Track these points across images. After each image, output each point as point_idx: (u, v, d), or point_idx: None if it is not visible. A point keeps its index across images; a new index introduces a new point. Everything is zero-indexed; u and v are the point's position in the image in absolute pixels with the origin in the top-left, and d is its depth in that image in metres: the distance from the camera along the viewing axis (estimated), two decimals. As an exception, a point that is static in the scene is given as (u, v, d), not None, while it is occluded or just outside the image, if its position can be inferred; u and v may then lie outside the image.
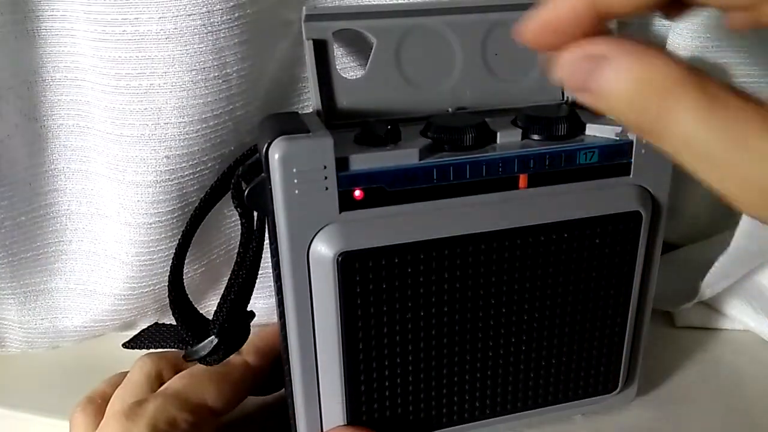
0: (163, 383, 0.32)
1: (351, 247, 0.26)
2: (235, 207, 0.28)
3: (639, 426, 0.35)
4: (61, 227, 0.36)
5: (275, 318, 0.36)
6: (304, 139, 0.26)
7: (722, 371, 0.39)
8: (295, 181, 0.25)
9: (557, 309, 0.31)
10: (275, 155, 0.25)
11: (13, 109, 0.32)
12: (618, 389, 0.34)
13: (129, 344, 0.34)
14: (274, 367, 0.34)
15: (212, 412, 0.32)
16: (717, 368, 0.39)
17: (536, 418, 0.34)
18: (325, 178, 0.26)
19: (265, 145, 0.25)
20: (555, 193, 0.29)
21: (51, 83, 0.32)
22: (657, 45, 0.19)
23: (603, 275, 0.31)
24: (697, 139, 0.17)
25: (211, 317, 0.31)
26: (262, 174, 0.26)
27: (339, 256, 0.26)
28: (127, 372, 0.33)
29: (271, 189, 0.26)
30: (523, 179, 0.28)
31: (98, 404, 0.32)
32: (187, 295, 0.32)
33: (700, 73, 0.17)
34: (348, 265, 0.27)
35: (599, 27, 0.19)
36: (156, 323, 0.34)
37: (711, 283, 0.41)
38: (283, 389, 0.34)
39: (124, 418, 0.29)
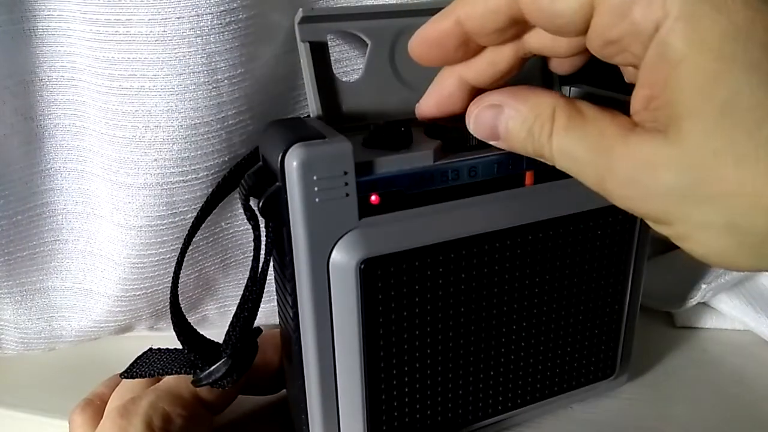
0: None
1: (373, 254, 0.26)
2: (248, 219, 0.28)
3: (639, 426, 0.35)
4: (58, 226, 0.36)
5: (270, 321, 0.36)
6: (322, 144, 0.25)
7: (722, 371, 0.39)
8: (316, 188, 0.25)
9: (565, 300, 0.31)
10: (293, 162, 0.24)
11: (9, 109, 0.32)
12: (615, 374, 0.35)
13: (127, 374, 0.33)
14: (269, 367, 0.34)
15: (206, 406, 0.32)
16: (717, 368, 0.39)
17: (539, 410, 0.35)
18: (346, 184, 0.25)
19: (280, 153, 0.25)
20: (562, 187, 0.29)
21: (47, 83, 0.32)
22: (537, 86, 0.24)
23: (604, 264, 0.32)
24: (568, 147, 0.22)
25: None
26: (277, 183, 0.26)
27: (362, 263, 0.26)
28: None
29: (287, 198, 0.25)
30: (529, 176, 0.29)
31: (97, 405, 0.32)
32: (187, 319, 0.31)
33: (572, 100, 0.22)
34: (371, 272, 0.26)
35: (470, 45, 0.24)
36: (150, 348, 0.33)
37: (711, 283, 0.41)
38: (284, 390, 0.34)
39: (118, 417, 0.29)
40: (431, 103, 0.27)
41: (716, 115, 0.18)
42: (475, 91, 0.26)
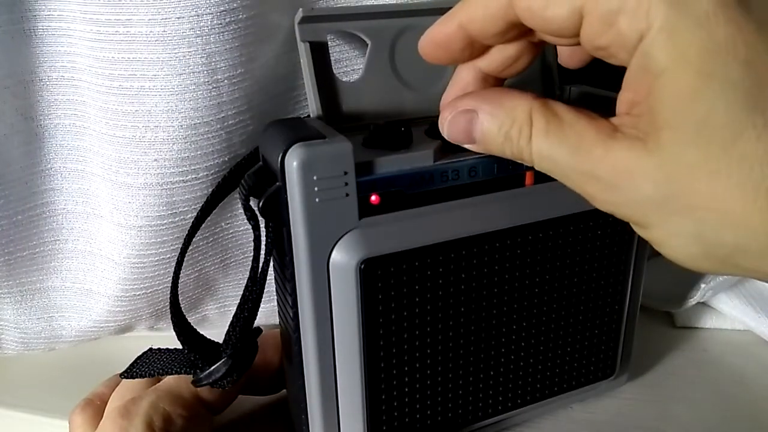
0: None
1: (373, 254, 0.26)
2: (248, 219, 0.28)
3: (639, 426, 0.35)
4: (58, 226, 0.36)
5: (270, 321, 0.36)
6: (322, 144, 0.25)
7: (722, 371, 0.39)
8: (316, 189, 0.25)
9: (565, 300, 0.31)
10: (293, 162, 0.24)
11: (9, 109, 0.32)
12: (615, 374, 0.35)
13: (127, 374, 0.33)
14: (269, 367, 0.34)
15: (206, 406, 0.32)
16: (717, 368, 0.39)
17: (539, 410, 0.35)
18: (346, 184, 0.25)
19: (280, 153, 0.25)
20: (562, 187, 0.29)
21: (48, 83, 0.32)
22: (510, 89, 0.24)
23: (604, 264, 0.32)
24: (548, 151, 0.22)
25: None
26: (277, 183, 0.26)
27: (362, 263, 0.26)
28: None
29: (287, 198, 0.25)
30: (529, 176, 0.29)
31: (97, 406, 0.32)
32: (187, 319, 0.31)
33: (546, 101, 0.22)
34: (371, 272, 0.26)
35: (476, 45, 0.24)
36: (150, 348, 0.33)
37: (710, 283, 0.41)
38: (284, 390, 0.34)
39: (119, 417, 0.29)
40: (452, 96, 0.27)
41: (693, 129, 0.19)
42: (493, 80, 0.26)
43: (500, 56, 0.25)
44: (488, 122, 0.23)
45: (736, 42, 0.18)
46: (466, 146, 0.25)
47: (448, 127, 0.25)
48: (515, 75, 0.26)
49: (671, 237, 0.20)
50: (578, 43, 0.22)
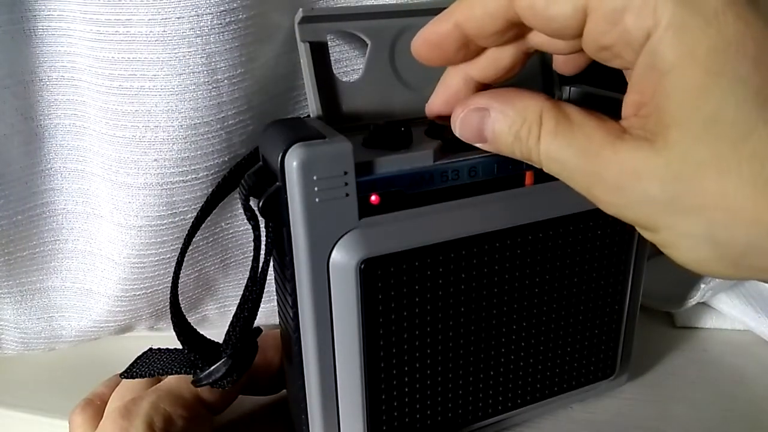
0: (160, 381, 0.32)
1: (373, 254, 0.26)
2: (248, 219, 0.28)
3: (639, 426, 0.35)
4: (58, 226, 0.36)
5: (270, 321, 0.36)
6: (322, 144, 0.25)
7: (722, 371, 0.39)
8: (316, 189, 0.25)
9: (565, 300, 0.31)
10: (293, 163, 0.24)
11: (9, 108, 0.32)
12: (615, 374, 0.35)
13: (127, 374, 0.33)
14: (270, 368, 0.34)
15: (207, 407, 0.32)
16: (717, 368, 0.39)
17: (539, 410, 0.35)
18: (346, 184, 0.25)
19: (280, 153, 0.25)
20: (562, 187, 0.29)
21: (48, 83, 0.32)
22: (523, 89, 0.24)
23: (604, 264, 0.32)
24: (556, 152, 0.22)
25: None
26: (277, 183, 0.26)
27: (362, 263, 0.26)
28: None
29: (287, 198, 0.25)
30: (529, 176, 0.29)
31: (97, 406, 0.32)
32: (187, 319, 0.31)
33: (558, 103, 0.22)
34: (371, 271, 0.26)
35: (471, 46, 0.24)
36: (150, 348, 0.33)
37: (710, 283, 0.41)
38: (284, 390, 0.34)
39: (119, 417, 0.29)
40: (439, 100, 0.27)
41: (701, 127, 0.18)
42: (481, 87, 0.26)
43: (490, 63, 0.25)
44: (500, 121, 0.23)
45: (745, 39, 0.18)
46: (478, 145, 0.25)
47: (461, 125, 0.25)
48: (504, 82, 0.25)
49: (681, 239, 0.20)
50: (575, 50, 0.22)
